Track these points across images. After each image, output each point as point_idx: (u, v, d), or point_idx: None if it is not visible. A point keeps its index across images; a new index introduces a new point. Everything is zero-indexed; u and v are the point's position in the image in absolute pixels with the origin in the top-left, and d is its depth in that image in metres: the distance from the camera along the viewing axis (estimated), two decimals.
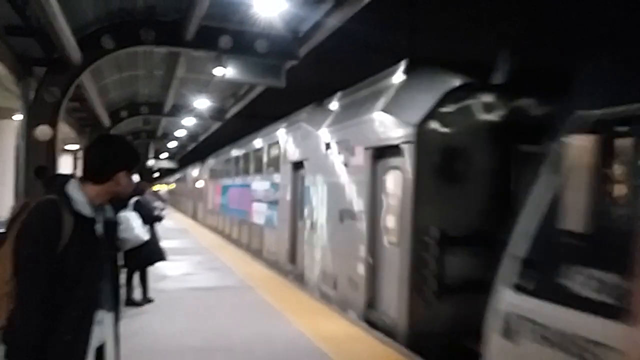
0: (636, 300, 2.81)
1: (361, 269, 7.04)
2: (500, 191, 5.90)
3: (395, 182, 6.43)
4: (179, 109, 19.59)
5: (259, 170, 13.91)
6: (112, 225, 2.52)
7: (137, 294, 7.83)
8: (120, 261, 2.92)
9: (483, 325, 3.92)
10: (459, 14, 11.68)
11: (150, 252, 7.79)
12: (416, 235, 5.82)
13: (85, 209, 2.28)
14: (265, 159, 13.25)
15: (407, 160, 5.99)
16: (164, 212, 10.04)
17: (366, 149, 7.06)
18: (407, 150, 5.98)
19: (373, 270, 6.88)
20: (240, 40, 10.29)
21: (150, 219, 7.85)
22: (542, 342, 3.36)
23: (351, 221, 7.46)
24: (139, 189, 8.00)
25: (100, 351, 2.38)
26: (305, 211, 9.59)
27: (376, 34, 12.79)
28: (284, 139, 11.38)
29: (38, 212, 2.23)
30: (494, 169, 5.96)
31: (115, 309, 2.50)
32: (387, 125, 6.53)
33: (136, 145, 29.73)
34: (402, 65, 6.93)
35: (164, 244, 8.49)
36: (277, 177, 11.78)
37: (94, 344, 2.30)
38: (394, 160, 6.41)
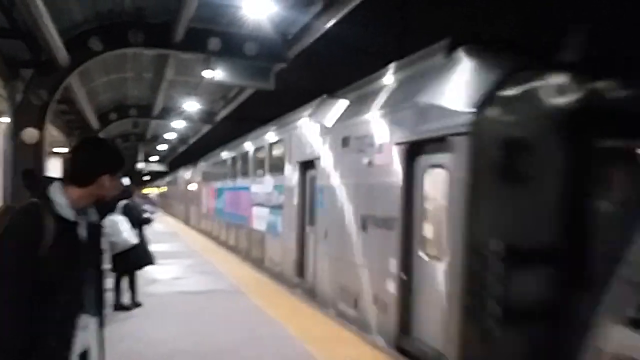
0: None
1: (391, 287, 5.92)
2: (576, 195, 4.70)
3: (440, 183, 5.29)
4: (168, 112, 19.51)
5: (259, 171, 12.77)
6: (96, 229, 2.49)
7: (126, 298, 7.77)
8: (107, 265, 2.89)
9: None
10: (454, 12, 11.67)
11: (139, 256, 7.73)
12: (470, 248, 4.69)
13: (68, 213, 2.25)
14: (267, 159, 12.10)
15: (457, 156, 4.86)
16: (153, 216, 9.98)
17: (398, 144, 5.93)
18: (459, 143, 4.82)
19: (407, 289, 5.74)
20: (229, 43, 10.26)
21: (138, 222, 7.80)
22: None
23: (377, 229, 6.36)
24: (127, 192, 7.95)
25: (84, 357, 2.35)
26: (317, 217, 8.47)
27: (366, 35, 12.80)
28: (290, 137, 10.19)
29: (19, 217, 2.20)
30: (569, 168, 4.71)
31: (99, 313, 2.46)
32: (429, 115, 5.39)
33: (125, 147, 29.72)
34: (441, 46, 5.84)
35: (154, 247, 8.43)
36: (281, 179, 10.62)
37: (78, 349, 2.28)
38: (438, 157, 5.31)
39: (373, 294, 6.40)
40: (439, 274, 5.21)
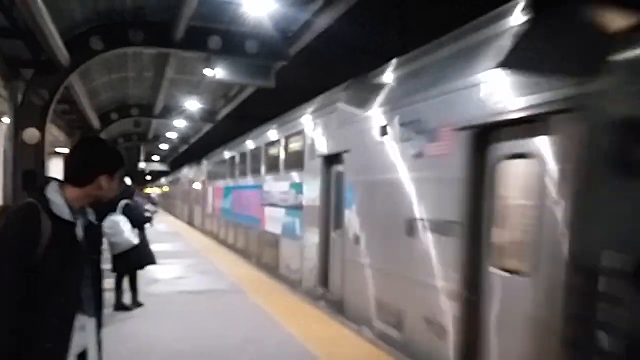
0: None
1: (450, 307, 4.81)
2: None
3: (524, 177, 4.22)
4: (169, 111, 19.54)
5: (273, 168, 11.42)
6: (94, 229, 2.47)
7: (126, 299, 7.75)
8: (107, 265, 2.87)
9: None
10: (452, 10, 11.62)
11: (140, 256, 7.71)
12: (574, 262, 3.57)
13: (65, 213, 2.22)
14: (282, 154, 10.82)
15: (556, 142, 3.80)
16: (154, 215, 9.96)
17: (461, 130, 4.73)
18: (559, 124, 3.75)
19: (474, 311, 4.55)
20: (230, 41, 10.26)
21: (139, 222, 7.78)
22: None
23: (430, 235, 5.22)
24: (128, 193, 7.94)
25: (82, 358, 2.32)
26: (346, 219, 7.29)
27: (366, 33, 12.77)
28: (311, 128, 8.95)
29: (16, 217, 2.18)
30: None
31: (98, 314, 2.43)
32: (510, 90, 4.27)
33: (127, 147, 29.74)
34: (518, 5, 4.62)
35: (155, 247, 8.42)
36: (299, 176, 9.48)
37: (75, 350, 2.25)
38: (523, 144, 4.16)
39: (424, 314, 5.26)
40: (522, 294, 4.05)
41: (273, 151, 11.53)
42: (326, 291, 8.07)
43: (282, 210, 10.47)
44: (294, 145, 10.03)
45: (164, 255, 11.67)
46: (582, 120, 3.55)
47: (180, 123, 21.38)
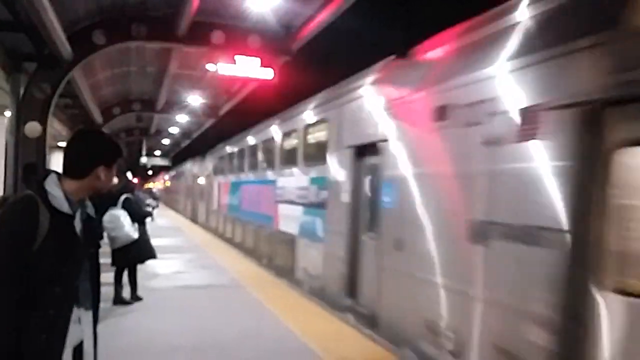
0: None
1: (541, 337, 3.67)
2: None
3: None
4: (172, 106, 19.55)
5: (289, 160, 10.28)
6: (93, 222, 2.45)
7: (126, 293, 7.75)
8: (106, 259, 2.85)
9: None
10: (459, 4, 11.55)
11: (140, 250, 7.71)
12: None
13: (63, 205, 2.21)
14: (301, 145, 9.73)
15: None
16: (154, 210, 9.95)
17: (556, 107, 3.68)
18: None
19: (579, 345, 3.40)
20: (233, 36, 10.23)
21: (139, 216, 7.77)
22: None
23: (510, 244, 4.06)
24: (129, 187, 7.93)
25: (78, 351, 2.31)
26: (383, 220, 6.28)
27: (370, 27, 12.74)
28: (338, 115, 7.89)
29: (14, 209, 2.17)
30: None
31: (94, 307, 2.42)
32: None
33: (129, 142, 29.74)
34: None
35: (156, 241, 8.41)
36: (322, 170, 8.36)
37: (71, 343, 2.23)
38: None
39: (495, 341, 4.21)
40: None
41: (290, 142, 10.47)
42: (355, 302, 7.04)
43: (300, 208, 9.41)
44: (316, 135, 9.01)
45: (164, 249, 11.68)
46: None
47: (182, 118, 21.38)
